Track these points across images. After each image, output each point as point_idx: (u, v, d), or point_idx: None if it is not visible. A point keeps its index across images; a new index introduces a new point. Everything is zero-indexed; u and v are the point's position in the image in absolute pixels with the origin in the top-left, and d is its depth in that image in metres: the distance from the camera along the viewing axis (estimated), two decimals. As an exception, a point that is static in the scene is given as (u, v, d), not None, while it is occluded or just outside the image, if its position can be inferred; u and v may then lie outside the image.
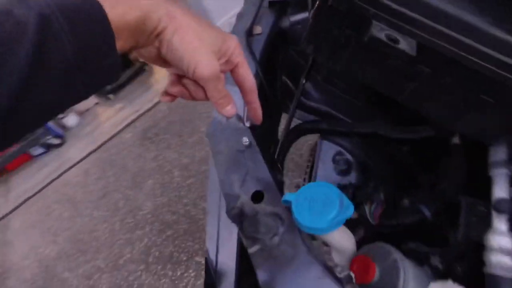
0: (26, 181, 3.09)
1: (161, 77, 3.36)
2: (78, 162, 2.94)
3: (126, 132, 2.95)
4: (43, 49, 0.24)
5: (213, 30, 0.38)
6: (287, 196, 0.47)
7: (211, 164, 0.67)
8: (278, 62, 0.70)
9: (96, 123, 3.27)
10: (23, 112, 0.25)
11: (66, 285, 2.13)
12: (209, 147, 0.68)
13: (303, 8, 0.66)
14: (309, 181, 0.79)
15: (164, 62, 0.38)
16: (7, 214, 2.85)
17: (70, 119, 3.32)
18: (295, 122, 0.78)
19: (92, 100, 3.48)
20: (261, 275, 0.43)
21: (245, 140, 0.61)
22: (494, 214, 0.44)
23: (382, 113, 0.73)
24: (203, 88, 0.40)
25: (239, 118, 0.65)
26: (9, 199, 2.98)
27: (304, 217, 0.44)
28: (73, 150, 3.10)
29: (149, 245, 2.05)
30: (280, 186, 0.54)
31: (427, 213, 0.57)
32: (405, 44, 0.37)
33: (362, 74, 0.46)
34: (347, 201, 0.44)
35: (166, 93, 0.43)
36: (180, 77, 0.42)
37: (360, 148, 0.75)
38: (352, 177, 0.76)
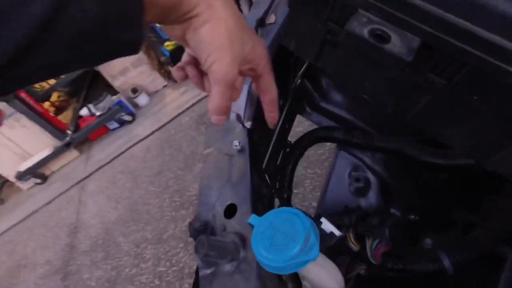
0: (101, 151, 3.51)
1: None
2: (143, 139, 3.21)
3: (185, 116, 3.11)
4: (63, 4, 0.22)
5: (246, 33, 0.36)
6: (252, 219, 0.40)
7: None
8: (292, 59, 0.61)
9: (162, 104, 3.51)
10: (23, 67, 0.24)
11: (119, 248, 2.38)
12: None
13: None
14: (323, 196, 0.69)
15: (185, 42, 0.36)
16: (85, 178, 3.29)
17: (142, 98, 3.63)
18: (312, 126, 0.69)
19: (161, 82, 3.74)
20: (205, 305, 0.38)
21: (236, 144, 0.55)
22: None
23: (417, 129, 0.58)
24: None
25: (239, 118, 0.59)
26: (88, 165, 3.44)
27: (259, 251, 0.36)
28: (141, 128, 3.40)
29: (190, 226, 2.15)
30: (260, 203, 0.47)
31: (446, 262, 0.43)
32: (398, 44, 0.26)
33: (357, 82, 0.35)
34: (313, 240, 0.35)
35: (179, 68, 0.41)
36: (196, 61, 0.39)
37: (384, 165, 0.62)
38: (370, 199, 0.64)
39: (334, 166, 0.66)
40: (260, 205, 0.41)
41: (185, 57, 0.41)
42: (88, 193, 3.10)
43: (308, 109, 0.67)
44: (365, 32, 0.27)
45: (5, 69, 0.22)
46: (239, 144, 0.55)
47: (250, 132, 0.57)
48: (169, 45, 3.60)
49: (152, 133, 3.22)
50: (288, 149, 0.69)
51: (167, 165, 2.73)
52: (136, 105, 3.70)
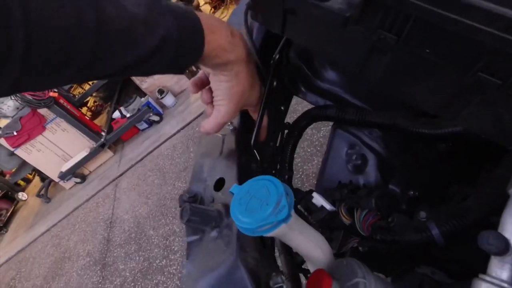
0: (133, 150, 3.71)
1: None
2: (170, 137, 3.35)
3: (208, 113, 3.19)
4: (150, 58, 0.36)
5: (254, 91, 0.50)
6: (234, 188, 0.43)
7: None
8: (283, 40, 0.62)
9: (187, 103, 3.63)
10: (135, 70, 0.37)
11: (150, 241, 2.51)
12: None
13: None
14: (321, 175, 0.69)
15: (208, 76, 0.48)
16: (119, 176, 3.50)
17: (168, 99, 3.78)
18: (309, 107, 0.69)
19: (186, 82, 3.87)
20: (189, 266, 0.41)
21: (228, 123, 0.57)
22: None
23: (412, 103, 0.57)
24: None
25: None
26: (121, 164, 3.65)
27: (236, 215, 0.38)
28: (168, 127, 3.54)
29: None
30: (251, 176, 0.49)
31: (435, 233, 0.43)
32: (338, 1, 0.27)
33: (321, 48, 0.36)
34: (284, 203, 0.37)
35: (194, 83, 0.51)
36: (207, 80, 0.49)
37: (381, 142, 0.61)
38: (368, 176, 0.63)
39: (331, 145, 0.66)
40: (248, 179, 0.43)
41: (200, 74, 0.51)
42: (122, 190, 3.29)
43: (303, 89, 0.68)
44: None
45: (133, 68, 0.36)
46: (231, 124, 0.58)
47: (243, 114, 0.59)
48: (191, 46, 3.71)
49: (178, 131, 3.34)
50: (286, 131, 0.70)
51: (192, 161, 2.83)
52: (163, 106, 3.85)
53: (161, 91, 3.77)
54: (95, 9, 0.30)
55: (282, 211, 0.36)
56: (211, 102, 0.50)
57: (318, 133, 2.17)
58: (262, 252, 0.41)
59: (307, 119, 0.66)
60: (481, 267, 0.40)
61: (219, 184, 0.49)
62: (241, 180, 0.48)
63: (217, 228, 0.43)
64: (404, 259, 0.55)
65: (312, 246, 0.44)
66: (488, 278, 0.28)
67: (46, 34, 0.27)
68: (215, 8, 5.48)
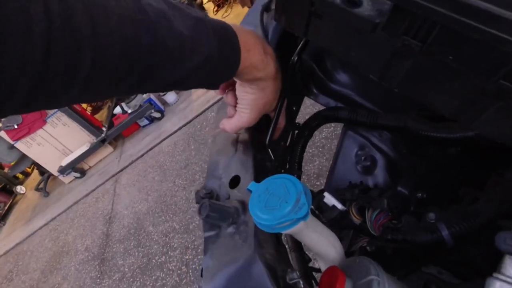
0: (133, 146, 3.71)
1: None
2: (171, 135, 3.35)
3: (210, 111, 3.20)
4: (193, 75, 0.38)
5: (274, 101, 0.52)
6: (251, 185, 0.44)
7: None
8: (297, 41, 0.63)
9: (189, 101, 3.63)
10: (178, 86, 0.40)
11: (149, 237, 2.52)
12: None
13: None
14: (331, 175, 0.70)
15: (234, 84, 0.50)
16: (119, 172, 3.50)
17: (170, 96, 3.78)
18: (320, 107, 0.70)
19: (188, 80, 3.87)
20: (207, 261, 0.42)
21: (243, 122, 0.58)
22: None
23: (423, 107, 0.58)
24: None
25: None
26: (121, 160, 3.65)
27: (254, 211, 0.40)
28: (169, 124, 3.54)
29: (215, 216, 2.22)
30: (263, 174, 0.50)
31: (445, 233, 0.44)
32: (368, 8, 0.28)
33: (344, 52, 0.37)
34: (303, 200, 0.38)
35: (221, 86, 0.53)
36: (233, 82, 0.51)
37: (390, 144, 0.62)
38: (377, 178, 0.64)
39: (341, 146, 0.67)
40: (263, 177, 0.44)
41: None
42: (122, 185, 3.29)
43: (315, 90, 0.69)
44: (337, -3, 0.29)
45: (177, 84, 0.38)
46: (245, 122, 0.58)
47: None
48: (195, 44, 3.71)
49: (180, 128, 3.35)
50: (296, 131, 0.71)
51: (193, 159, 2.84)
52: (164, 102, 3.86)
53: (163, 88, 3.77)
54: (149, 30, 0.32)
55: (302, 208, 0.37)
56: (234, 105, 0.52)
57: (320, 134, 2.18)
58: (277, 249, 0.42)
59: (318, 119, 0.67)
60: (488, 268, 0.42)
61: (235, 181, 0.50)
62: (257, 178, 0.49)
63: (234, 225, 0.44)
64: (410, 259, 0.56)
65: (326, 244, 0.46)
66: (502, 277, 0.29)
67: (110, 58, 0.29)
68: (219, 6, 5.49)
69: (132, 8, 0.31)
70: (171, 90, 0.42)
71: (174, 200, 2.62)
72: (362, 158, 0.64)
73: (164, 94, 3.74)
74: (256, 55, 0.43)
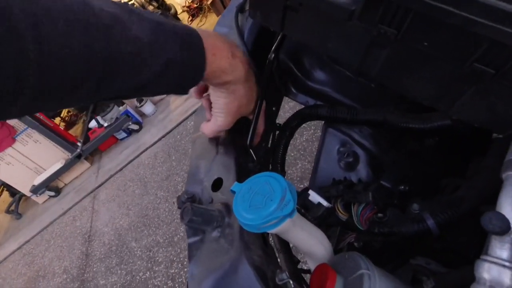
0: (111, 160, 3.59)
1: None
2: (150, 146, 3.27)
3: (190, 120, 3.16)
4: (156, 80, 0.37)
5: (250, 104, 0.51)
6: (235, 186, 0.42)
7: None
8: (274, 40, 0.63)
9: (167, 111, 3.57)
10: (141, 92, 0.39)
11: (132, 253, 2.42)
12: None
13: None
14: (314, 173, 0.70)
15: (207, 89, 0.51)
16: (97, 187, 3.37)
17: (147, 107, 3.70)
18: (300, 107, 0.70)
19: (165, 90, 3.81)
20: (192, 268, 0.40)
21: (223, 124, 0.57)
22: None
23: (399, 100, 0.59)
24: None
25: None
26: (99, 175, 3.52)
27: (239, 212, 0.38)
28: (148, 136, 3.46)
29: (200, 227, 2.17)
30: (245, 176, 0.48)
31: (430, 222, 0.44)
32: (343, -4, 0.28)
33: (321, 44, 0.37)
34: (289, 197, 0.37)
35: (197, 91, 0.53)
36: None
37: (371, 139, 0.63)
38: (360, 173, 0.64)
39: (322, 143, 0.67)
40: (246, 178, 0.42)
41: (199, 85, 0.54)
42: (100, 202, 3.16)
43: (293, 90, 0.69)
44: (313, -12, 0.29)
45: (140, 90, 0.37)
46: (226, 125, 0.57)
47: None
48: (171, 53, 3.68)
49: (159, 140, 3.28)
50: (277, 132, 0.70)
51: (174, 170, 2.78)
52: (142, 114, 3.77)
53: (140, 99, 3.69)
54: (102, 35, 0.30)
55: (288, 205, 0.36)
56: (210, 109, 0.51)
57: (301, 137, 2.20)
58: (265, 250, 0.41)
59: (298, 119, 0.67)
60: (475, 254, 0.42)
61: (217, 184, 0.48)
62: (239, 179, 0.47)
63: (218, 228, 0.42)
64: (398, 252, 0.56)
65: (314, 242, 0.45)
66: (489, 258, 0.29)
67: (57, 64, 0.28)
68: (193, 16, 5.49)
69: (82, 12, 0.29)
70: (136, 95, 0.40)
71: (156, 213, 2.54)
72: (345, 154, 0.64)
73: (141, 106, 3.66)
74: (223, 59, 0.42)
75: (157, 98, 3.82)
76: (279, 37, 0.52)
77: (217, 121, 0.50)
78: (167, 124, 3.35)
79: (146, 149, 3.29)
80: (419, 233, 0.45)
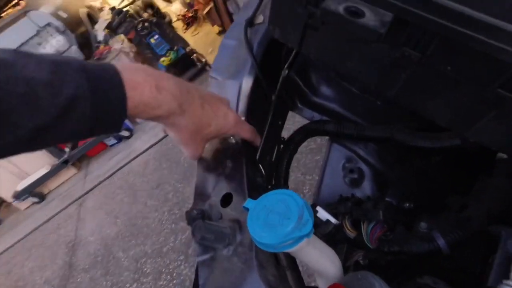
0: (100, 167, 3.51)
1: (219, 77, 3.46)
2: (141, 154, 3.22)
3: (182, 128, 3.13)
4: (64, 118, 0.34)
5: (206, 127, 0.48)
6: (247, 202, 0.41)
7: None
8: (281, 55, 0.63)
9: (160, 118, 3.53)
10: (40, 143, 0.36)
11: (119, 264, 2.35)
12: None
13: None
14: (319, 189, 0.70)
15: None
16: (83, 195, 3.28)
17: (139, 114, 3.66)
18: (304, 121, 0.70)
19: (158, 97, 3.78)
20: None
21: (232, 138, 0.56)
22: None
23: (405, 118, 0.60)
24: None
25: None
26: (86, 182, 3.43)
27: (255, 230, 0.37)
28: (139, 142, 3.41)
29: (190, 238, 2.13)
30: (255, 191, 0.48)
31: (441, 242, 0.44)
32: (372, 19, 0.28)
33: (340, 62, 0.37)
34: (307, 216, 0.36)
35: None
36: None
37: (376, 156, 0.63)
38: (365, 189, 0.65)
39: (327, 159, 0.67)
40: (256, 194, 0.42)
41: None
42: (87, 209, 3.07)
43: (299, 104, 0.69)
44: (340, 9, 0.29)
45: (44, 132, 0.34)
46: (233, 138, 0.57)
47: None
48: (165, 61, 3.67)
49: (150, 147, 3.23)
50: (282, 146, 0.70)
51: (165, 178, 2.73)
52: (134, 121, 3.72)
53: (131, 106, 3.64)
54: None
55: (306, 225, 0.35)
56: None
57: (295, 149, 2.20)
58: (278, 269, 0.40)
59: (303, 133, 0.67)
60: (479, 271, 0.42)
61: (227, 199, 0.47)
62: (250, 195, 0.47)
63: (230, 246, 0.41)
64: (403, 268, 0.56)
65: (327, 261, 0.44)
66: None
67: None
68: (188, 25, 5.51)
69: None
70: (43, 141, 0.36)
71: (145, 222, 2.48)
72: (350, 170, 0.64)
73: (133, 112, 3.61)
74: (145, 93, 0.40)
75: (149, 105, 3.78)
76: (292, 55, 0.52)
77: (185, 151, 0.50)
78: (159, 132, 3.31)
79: (137, 156, 3.23)
80: (430, 252, 0.45)
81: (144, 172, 2.97)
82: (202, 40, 4.69)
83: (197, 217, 0.44)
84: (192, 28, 5.36)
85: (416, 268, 0.54)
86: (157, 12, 4.80)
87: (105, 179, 3.26)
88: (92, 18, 4.56)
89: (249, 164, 0.52)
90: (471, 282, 0.47)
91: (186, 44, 3.84)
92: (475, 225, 0.44)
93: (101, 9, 4.90)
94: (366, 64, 0.36)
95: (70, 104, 0.34)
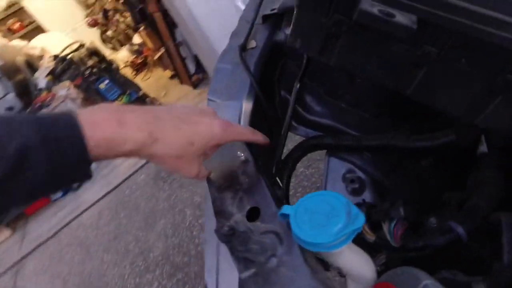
0: (42, 225, 3.08)
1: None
2: (92, 205, 2.93)
3: (140, 173, 2.96)
4: (16, 173, 0.32)
5: (190, 147, 0.45)
6: (285, 209, 0.40)
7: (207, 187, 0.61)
8: (275, 77, 0.67)
9: (113, 165, 3.31)
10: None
11: (71, 337, 1.99)
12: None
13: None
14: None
15: None
16: (20, 260, 2.81)
17: (88, 162, 3.39)
18: (300, 139, 0.73)
19: (110, 143, 3.57)
20: (254, 307, 0.35)
21: (240, 155, 0.56)
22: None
23: (394, 125, 0.66)
24: None
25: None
26: (24, 244, 2.96)
27: (305, 231, 0.36)
28: (89, 193, 3.11)
29: (160, 291, 1.92)
30: (279, 203, 0.47)
31: (460, 231, 0.47)
32: (402, 18, 0.32)
33: (360, 67, 0.41)
34: (355, 211, 0.36)
35: None
36: None
37: (373, 164, 0.67)
38: (366, 197, 0.67)
39: (327, 172, 0.69)
40: (280, 205, 0.41)
41: None
42: (26, 276, 2.62)
43: (294, 123, 0.72)
44: (375, 11, 0.33)
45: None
46: (242, 155, 0.56)
47: (247, 144, 0.58)
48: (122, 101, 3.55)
49: (103, 197, 2.96)
50: (280, 164, 0.71)
51: (124, 228, 2.49)
52: (82, 170, 3.42)
53: (79, 154, 3.37)
54: None
55: (358, 218, 0.36)
56: None
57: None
58: (326, 271, 0.39)
59: (301, 150, 0.69)
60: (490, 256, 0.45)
61: (254, 213, 0.46)
62: (277, 205, 0.45)
63: (273, 257, 0.38)
64: (430, 265, 0.57)
65: (365, 265, 0.44)
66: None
67: None
68: (137, 71, 5.48)
69: None
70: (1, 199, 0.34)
71: (104, 280, 2.19)
72: (350, 180, 0.66)
73: (81, 160, 3.33)
74: (106, 129, 0.38)
75: (100, 151, 3.54)
76: (302, 69, 0.55)
77: (181, 175, 0.47)
78: (113, 179, 3.08)
79: (87, 208, 2.93)
80: (451, 243, 0.48)
81: (98, 224, 2.68)
82: (154, 84, 4.67)
83: (230, 233, 0.41)
84: (142, 74, 5.33)
85: (433, 262, 0.55)
86: (103, 59, 4.71)
87: (48, 239, 2.85)
88: (32, 66, 4.30)
89: (266, 177, 0.51)
90: (483, 267, 0.50)
91: (138, 88, 3.78)
92: (484, 212, 0.48)
93: (40, 57, 4.67)
94: (386, 66, 0.40)
95: (20, 156, 0.32)
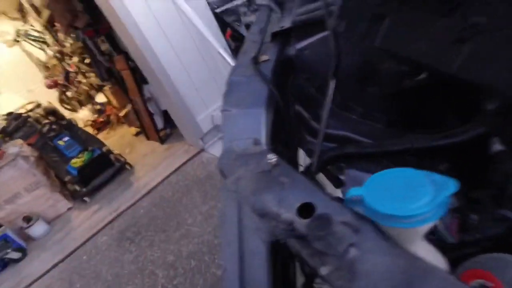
0: (-32, 311, 2.49)
1: (143, 174, 3.25)
2: (39, 277, 2.47)
3: (101, 235, 2.63)
4: None
5: None
6: (352, 191, 0.35)
7: (223, 206, 0.53)
8: (287, 90, 0.66)
9: (68, 229, 2.92)
10: None
11: None
12: (222, 179, 0.56)
13: (307, 34, 0.66)
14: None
15: None
16: None
17: (37, 228, 2.95)
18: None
19: (65, 205, 3.21)
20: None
21: (271, 158, 0.51)
22: None
23: (406, 133, 0.67)
24: None
25: (256, 142, 0.56)
26: None
27: (393, 207, 0.31)
28: (36, 264, 2.65)
29: None
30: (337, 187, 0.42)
31: (513, 218, 0.45)
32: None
33: (404, 46, 0.42)
34: (440, 178, 0.33)
35: None
36: None
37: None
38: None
39: (348, 186, 0.65)
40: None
41: None
42: None
43: (307, 137, 0.69)
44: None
45: None
46: (273, 158, 0.51)
47: (273, 150, 0.54)
48: (76, 162, 3.28)
49: (54, 266, 2.53)
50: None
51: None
52: (28, 237, 2.96)
53: (27, 219, 2.95)
54: None
55: (448, 183, 0.32)
56: None
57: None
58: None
59: (322, 162, 0.65)
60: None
61: (307, 210, 0.39)
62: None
63: (351, 247, 0.32)
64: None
65: (439, 257, 0.39)
66: None
67: None
68: (99, 130, 5.27)
69: None
70: None
71: None
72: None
73: (29, 226, 2.91)
74: None
75: (53, 215, 3.15)
76: (333, 65, 0.55)
77: None
78: (68, 244, 2.69)
79: (33, 282, 2.46)
80: (507, 232, 0.45)
81: (46, 301, 2.24)
82: (117, 142, 4.48)
83: (289, 229, 0.34)
84: (105, 132, 5.13)
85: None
86: (62, 118, 4.49)
87: (-24, 328, 2.29)
88: (-22, 124, 3.94)
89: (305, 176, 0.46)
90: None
91: (102, 144, 3.58)
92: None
93: (-10, 117, 4.33)
94: (431, 43, 0.41)
95: None
